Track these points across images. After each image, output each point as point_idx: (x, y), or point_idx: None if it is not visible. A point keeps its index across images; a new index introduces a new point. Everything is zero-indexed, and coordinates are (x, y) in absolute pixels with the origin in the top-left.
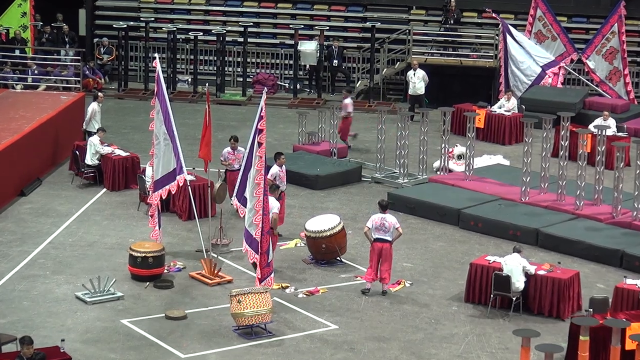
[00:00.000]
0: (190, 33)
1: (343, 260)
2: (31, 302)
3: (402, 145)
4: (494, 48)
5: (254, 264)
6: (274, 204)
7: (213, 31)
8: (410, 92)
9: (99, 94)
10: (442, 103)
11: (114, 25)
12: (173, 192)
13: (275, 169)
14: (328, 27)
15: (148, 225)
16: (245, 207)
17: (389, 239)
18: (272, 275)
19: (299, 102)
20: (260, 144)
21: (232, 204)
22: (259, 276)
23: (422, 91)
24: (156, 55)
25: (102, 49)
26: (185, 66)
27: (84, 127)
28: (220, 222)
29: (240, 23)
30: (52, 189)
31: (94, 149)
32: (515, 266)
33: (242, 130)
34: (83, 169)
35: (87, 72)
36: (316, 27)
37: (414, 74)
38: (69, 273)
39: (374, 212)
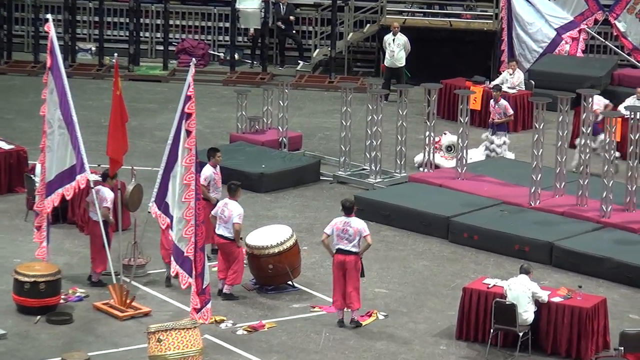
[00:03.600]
0: None
1: (296, 285)
2: None
3: (373, 133)
4: (494, 6)
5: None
6: (236, 210)
7: None
8: (386, 63)
9: None
10: (426, 78)
11: None
12: (68, 197)
13: (208, 171)
14: None
15: (34, 240)
16: (168, 216)
17: (354, 250)
18: (209, 305)
19: (237, 77)
20: (188, 133)
21: (149, 212)
22: (195, 305)
23: (402, 62)
24: (49, 16)
25: None
26: (87, 31)
27: None
28: (135, 236)
29: None
30: None
31: None
32: (523, 292)
33: (164, 115)
34: None
35: None
36: None
37: (394, 40)
38: None
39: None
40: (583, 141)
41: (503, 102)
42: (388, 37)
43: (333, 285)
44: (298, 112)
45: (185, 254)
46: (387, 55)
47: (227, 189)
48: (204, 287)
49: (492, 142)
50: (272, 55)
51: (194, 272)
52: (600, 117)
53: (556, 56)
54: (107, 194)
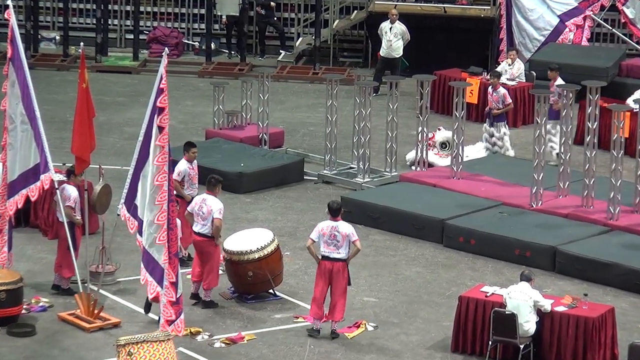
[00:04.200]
0: None
1: (278, 293)
2: None
3: (361, 129)
4: None
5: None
6: (216, 205)
7: None
8: (382, 52)
9: None
10: (419, 69)
11: None
12: (33, 198)
13: (183, 166)
14: None
15: None
16: (137, 219)
17: (342, 257)
18: (182, 316)
19: (214, 68)
20: (161, 129)
21: (118, 215)
22: (168, 317)
23: (399, 53)
24: (9, 2)
25: None
26: (51, 18)
27: None
28: (103, 240)
29: None
30: None
31: None
32: (524, 300)
33: (134, 110)
34: None
35: None
36: None
37: (391, 29)
38: None
39: (323, 220)
40: (588, 137)
41: (502, 90)
42: (385, 25)
43: (314, 291)
44: (280, 106)
45: (162, 262)
46: (383, 45)
47: (207, 183)
48: (178, 296)
49: (491, 135)
50: (251, 44)
51: (167, 281)
52: (554, 97)
53: (559, 45)
54: (71, 192)
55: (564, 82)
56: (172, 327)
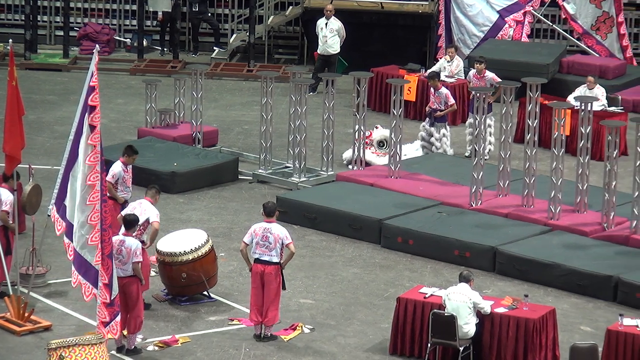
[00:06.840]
0: None
1: (212, 295)
2: None
3: (297, 127)
4: None
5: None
6: (151, 210)
7: None
8: (319, 50)
9: None
10: (356, 66)
11: None
12: None
13: (118, 168)
14: None
15: None
16: (65, 220)
17: (275, 260)
18: (118, 318)
19: (146, 65)
20: (92, 128)
21: (49, 215)
22: (103, 318)
23: (335, 49)
24: None
25: None
26: None
27: None
28: (33, 242)
29: None
30: None
31: None
32: (463, 302)
33: (65, 108)
34: None
35: None
36: None
37: (327, 24)
38: None
39: (257, 222)
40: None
41: (444, 90)
42: (321, 22)
43: (251, 297)
44: (214, 104)
45: (91, 264)
46: (319, 42)
47: (148, 189)
48: (112, 298)
49: (430, 135)
50: (184, 41)
51: (101, 282)
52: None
53: (499, 41)
54: (6, 196)
55: (492, 74)
56: (108, 329)
